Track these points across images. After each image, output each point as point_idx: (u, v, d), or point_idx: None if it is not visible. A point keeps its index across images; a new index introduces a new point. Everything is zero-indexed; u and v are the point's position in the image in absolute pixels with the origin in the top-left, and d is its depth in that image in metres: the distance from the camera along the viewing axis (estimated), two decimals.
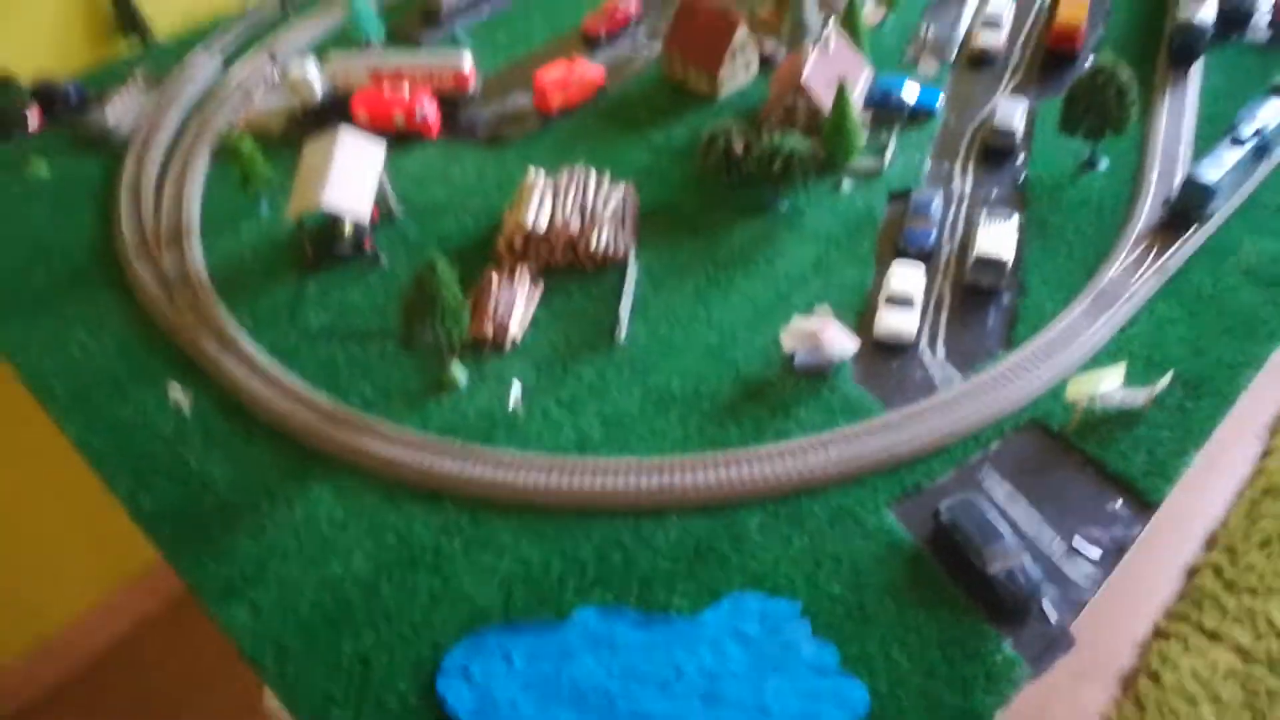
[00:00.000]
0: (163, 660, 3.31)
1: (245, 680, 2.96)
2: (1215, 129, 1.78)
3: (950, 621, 1.18)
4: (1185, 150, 1.83)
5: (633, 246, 1.68)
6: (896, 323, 1.54)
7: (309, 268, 1.73)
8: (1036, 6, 2.27)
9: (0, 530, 2.80)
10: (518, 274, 1.65)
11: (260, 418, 1.51)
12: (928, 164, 1.88)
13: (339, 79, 2.11)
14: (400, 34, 2.33)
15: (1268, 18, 2.13)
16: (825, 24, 1.98)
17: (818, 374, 1.50)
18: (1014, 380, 1.46)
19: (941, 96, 2.01)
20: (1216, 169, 1.66)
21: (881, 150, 1.88)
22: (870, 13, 2.19)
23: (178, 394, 1.49)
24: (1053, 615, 1.15)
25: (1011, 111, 1.94)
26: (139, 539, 3.12)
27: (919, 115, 2.01)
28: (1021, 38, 2.20)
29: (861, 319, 1.56)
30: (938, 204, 1.77)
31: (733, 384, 1.46)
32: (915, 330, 1.53)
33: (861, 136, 1.80)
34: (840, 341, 1.48)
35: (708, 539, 1.29)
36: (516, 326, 1.58)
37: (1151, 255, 1.65)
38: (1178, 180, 1.71)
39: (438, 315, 1.45)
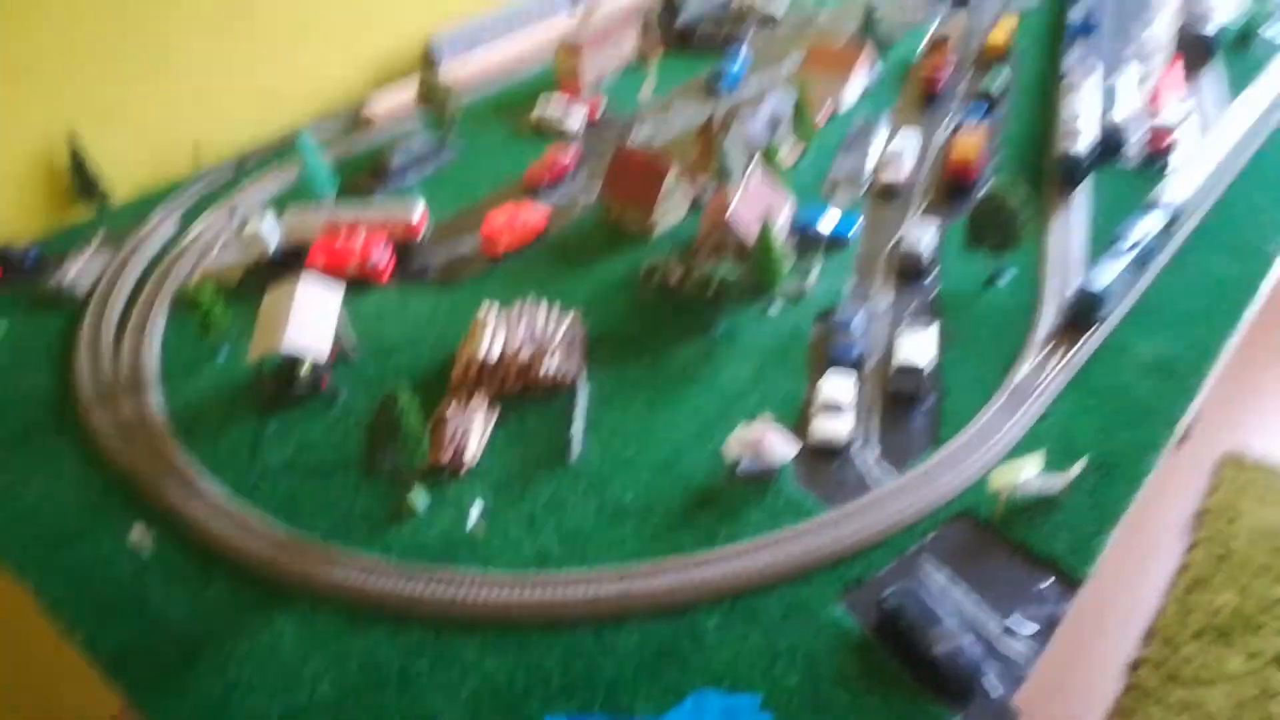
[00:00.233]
0: None
1: None
2: (1102, 242, 1.95)
3: (901, 703, 1.23)
4: (1078, 261, 2.01)
5: (582, 371, 1.78)
6: (830, 428, 1.64)
7: (268, 408, 1.79)
8: (936, 142, 2.51)
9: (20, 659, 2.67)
10: (473, 402, 1.74)
11: (221, 554, 1.53)
12: (849, 284, 2.03)
13: (295, 231, 2.22)
14: (352, 188, 2.47)
15: (1137, 146, 2.39)
16: (748, 164, 2.16)
17: (762, 479, 1.58)
18: (942, 475, 1.56)
19: (857, 224, 2.19)
20: (1104, 277, 1.83)
21: (806, 274, 2.03)
22: (787, 154, 2.39)
23: (139, 535, 1.51)
24: (996, 690, 1.21)
25: (921, 234, 2.11)
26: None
27: (838, 241, 2.18)
28: (924, 171, 2.42)
29: (798, 427, 1.65)
30: (860, 320, 1.90)
31: (683, 493, 1.53)
32: (848, 434, 1.63)
33: (786, 265, 1.95)
34: (780, 447, 1.58)
35: (668, 641, 1.33)
36: (473, 451, 1.64)
37: (1057, 355, 1.79)
38: (1071, 290, 1.88)
39: (399, 443, 1.51)
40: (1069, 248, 2.09)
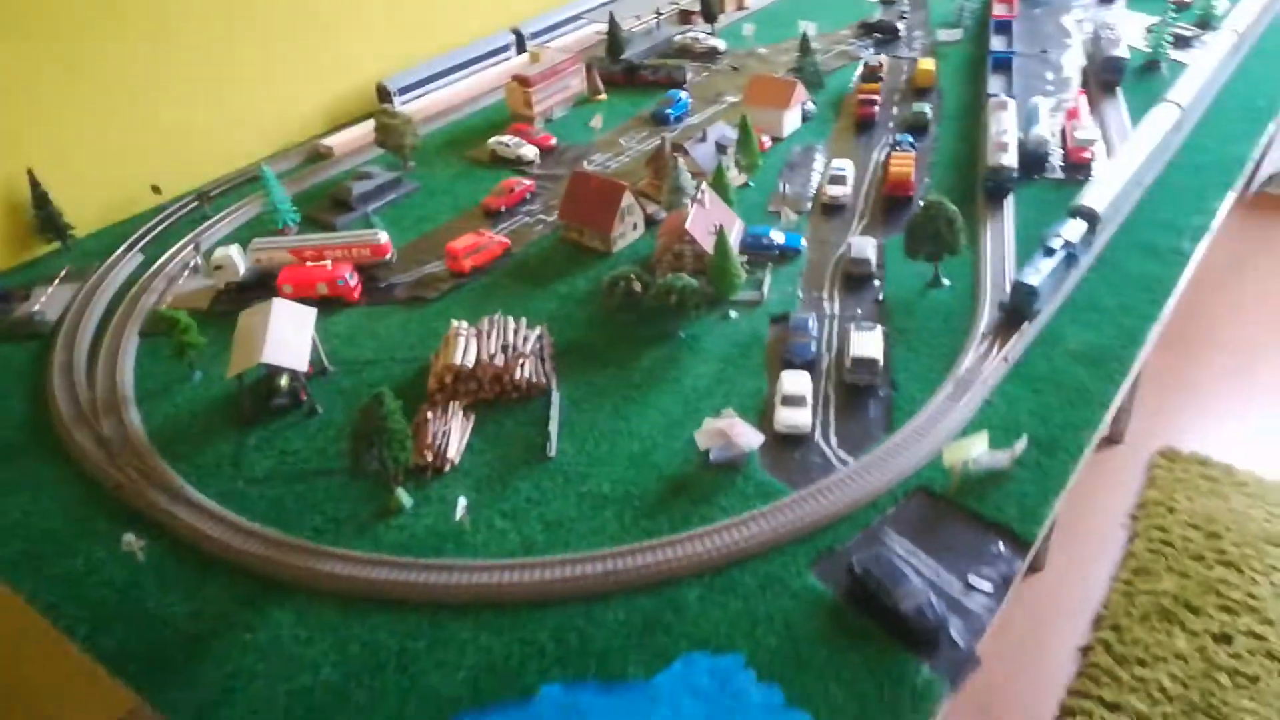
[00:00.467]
0: None
1: None
2: (1031, 247, 2.12)
3: (874, 656, 1.33)
4: (1010, 265, 2.18)
5: (553, 377, 1.87)
6: (793, 417, 1.76)
7: (248, 422, 1.82)
8: (872, 163, 2.69)
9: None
10: (450, 408, 1.80)
11: (213, 556, 1.56)
12: (800, 293, 2.16)
13: (262, 259, 2.28)
14: (315, 221, 2.53)
15: (1060, 159, 2.60)
16: (699, 187, 2.30)
17: (731, 466, 1.68)
18: (898, 455, 1.68)
19: (803, 239, 2.33)
20: (1036, 274, 1.99)
21: (759, 284, 2.15)
22: (734, 177, 2.54)
23: (131, 542, 1.53)
24: (961, 641, 1.32)
25: (864, 246, 2.26)
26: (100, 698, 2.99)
27: (787, 254, 2.31)
28: (863, 190, 2.59)
29: (762, 419, 1.76)
30: (813, 323, 2.03)
31: (658, 482, 1.62)
32: (809, 423, 1.74)
33: (741, 273, 2.07)
34: (747, 435, 1.68)
35: (653, 613, 1.41)
36: (454, 451, 1.71)
37: (996, 348, 1.94)
38: (1008, 287, 2.03)
39: (384, 442, 1.57)
40: (1002, 253, 2.25)
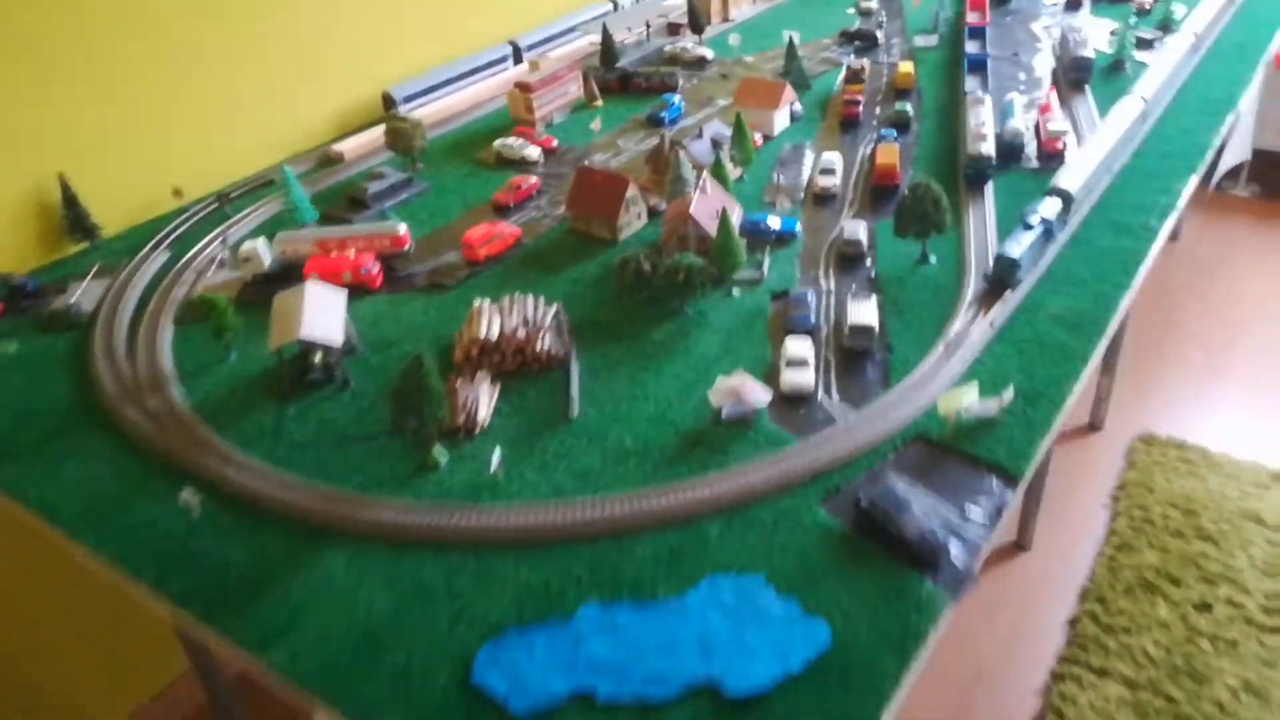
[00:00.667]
0: None
1: None
2: (1011, 226, 2.28)
3: (882, 575, 1.46)
4: (991, 243, 2.34)
5: (572, 348, 2.00)
6: (798, 378, 1.89)
7: (286, 396, 1.93)
8: (859, 157, 2.86)
9: (21, 656, 2.68)
10: (477, 378, 1.92)
11: (264, 510, 1.66)
12: (798, 272, 2.32)
13: (288, 251, 2.40)
14: (332, 219, 2.64)
15: (1035, 149, 2.79)
16: (699, 177, 2.45)
17: (742, 422, 1.81)
18: (896, 408, 1.82)
19: (798, 224, 2.49)
20: (1017, 247, 2.15)
21: (759, 265, 2.31)
22: (730, 170, 2.70)
23: (188, 496, 1.63)
24: (960, 562, 1.46)
25: (856, 228, 2.42)
26: (155, 660, 3.08)
27: (784, 238, 2.47)
28: (852, 180, 2.76)
29: (768, 382, 1.89)
30: (811, 296, 2.18)
31: (675, 437, 1.75)
32: (813, 383, 1.88)
33: (743, 252, 2.22)
34: (757, 392, 1.81)
35: (678, 546, 1.54)
36: (484, 414, 1.83)
37: (982, 315, 2.10)
38: (991, 261, 2.20)
39: (425, 401, 1.68)
40: (984, 232, 2.41)
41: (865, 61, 2.99)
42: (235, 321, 1.89)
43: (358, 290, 2.05)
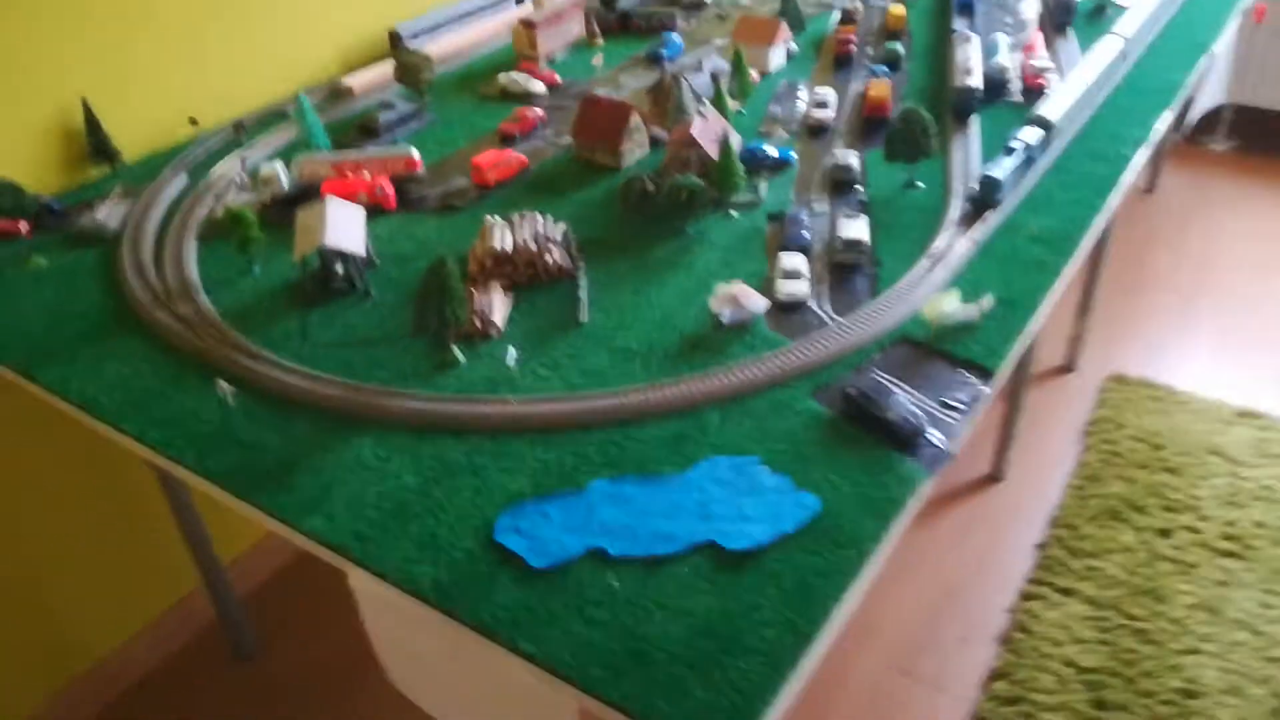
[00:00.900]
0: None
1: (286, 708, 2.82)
2: (995, 156, 2.37)
3: (866, 453, 1.57)
4: (977, 168, 2.43)
5: (580, 263, 2.08)
6: (792, 287, 1.99)
7: (310, 303, 2.00)
8: (852, 91, 2.95)
9: (35, 566, 2.78)
10: (491, 286, 2.01)
11: (294, 400, 1.74)
12: (792, 196, 2.40)
13: (305, 173, 2.46)
14: (344, 147, 2.70)
15: (1019, 85, 2.89)
16: (700, 105, 2.54)
17: (741, 327, 1.91)
18: (883, 314, 1.92)
19: (794, 153, 2.58)
20: (1000, 169, 2.25)
21: (756, 189, 2.40)
22: (730, 103, 2.78)
23: (225, 387, 1.71)
24: (940, 442, 1.57)
25: (848, 155, 2.50)
26: (165, 576, 3.20)
27: (779, 166, 2.56)
28: (845, 114, 2.84)
29: (765, 293, 1.98)
30: (806, 215, 2.28)
31: (678, 340, 1.84)
32: (806, 292, 1.98)
33: (743, 174, 2.30)
34: (754, 300, 1.91)
35: (681, 431, 1.64)
36: (499, 318, 1.91)
37: (964, 232, 2.20)
38: (975, 181, 2.30)
39: (447, 300, 1.76)
40: (969, 159, 2.49)
41: (859, 3, 3.07)
42: (259, 236, 1.98)
43: (373, 211, 2.14)
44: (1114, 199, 2.25)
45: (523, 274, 2.14)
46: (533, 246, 2.12)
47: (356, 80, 3.16)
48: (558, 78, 3.18)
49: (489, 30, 3.62)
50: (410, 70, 2.98)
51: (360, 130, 2.90)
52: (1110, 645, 2.84)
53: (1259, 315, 4.37)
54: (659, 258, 2.21)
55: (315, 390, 1.83)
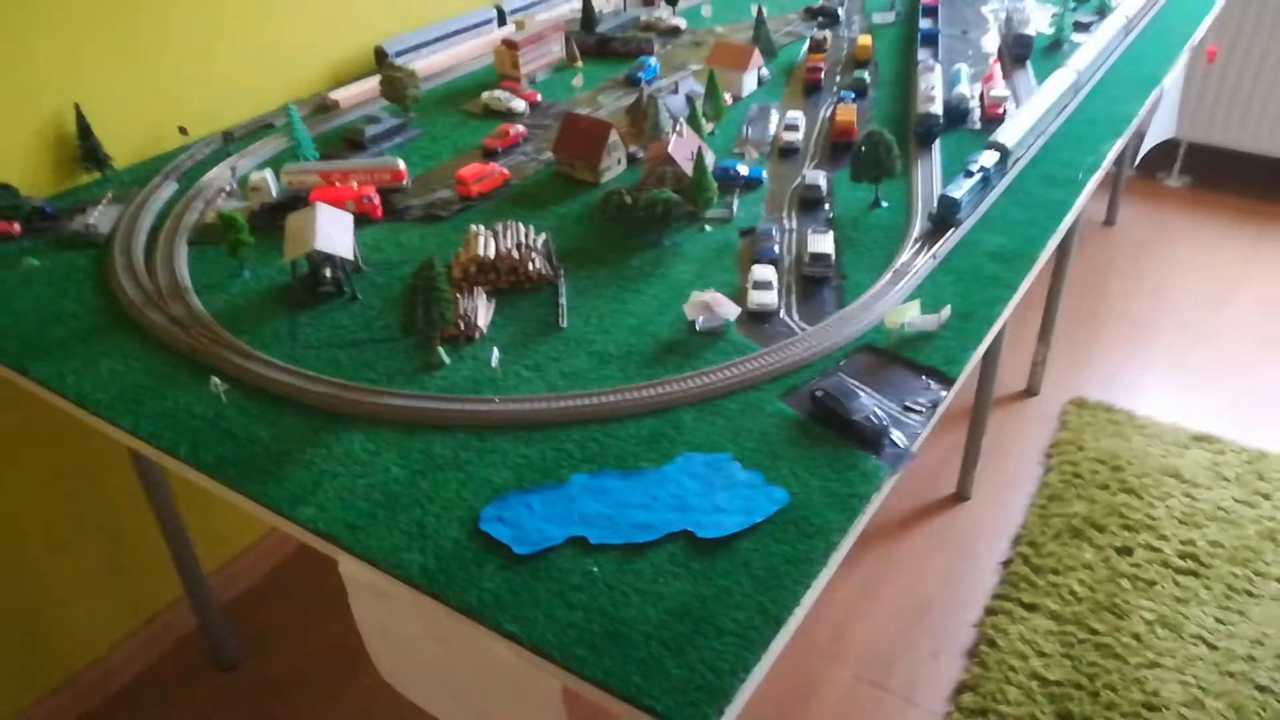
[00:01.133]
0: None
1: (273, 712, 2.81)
2: (955, 175, 2.49)
3: (832, 451, 1.65)
4: (937, 191, 2.54)
5: (560, 271, 2.16)
6: (763, 297, 2.08)
7: (298, 306, 2.05)
8: (821, 116, 3.08)
9: (15, 575, 2.77)
10: (475, 292, 2.08)
11: (286, 397, 1.79)
12: (763, 213, 2.51)
13: (294, 181, 2.52)
14: (331, 159, 2.76)
15: (978, 113, 3.03)
16: (676, 124, 2.63)
17: (714, 333, 1.99)
18: (848, 323, 2.01)
19: (765, 172, 2.68)
20: (959, 190, 2.37)
21: (729, 206, 2.50)
22: (704, 124, 2.88)
23: (218, 384, 1.76)
24: (901, 442, 1.66)
25: (816, 176, 2.61)
26: (155, 580, 3.06)
27: (751, 184, 2.66)
28: (814, 136, 2.96)
29: (736, 303, 2.07)
30: (776, 231, 2.37)
31: (654, 345, 1.92)
32: (776, 302, 2.07)
33: (716, 190, 2.40)
34: (726, 307, 2.00)
35: (657, 430, 1.71)
36: (483, 321, 1.98)
37: (926, 249, 2.31)
38: (935, 201, 2.41)
39: (434, 301, 1.83)
40: (931, 182, 2.61)
41: (827, 34, 3.20)
42: (250, 240, 2.05)
43: (360, 219, 2.21)
44: (1067, 221, 2.38)
45: (505, 280, 2.22)
46: (515, 254, 2.21)
47: (342, 94, 3.24)
48: (539, 97, 3.28)
49: (472, 50, 3.72)
50: (396, 85, 3.07)
51: (347, 143, 2.98)
52: (1074, 659, 2.94)
53: (1212, 344, 4.55)
54: (636, 268, 2.31)
55: (305, 388, 1.89)
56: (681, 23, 3.82)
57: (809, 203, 2.51)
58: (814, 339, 1.94)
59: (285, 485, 1.64)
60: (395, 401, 1.81)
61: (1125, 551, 3.32)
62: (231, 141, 2.90)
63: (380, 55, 3.37)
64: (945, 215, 2.26)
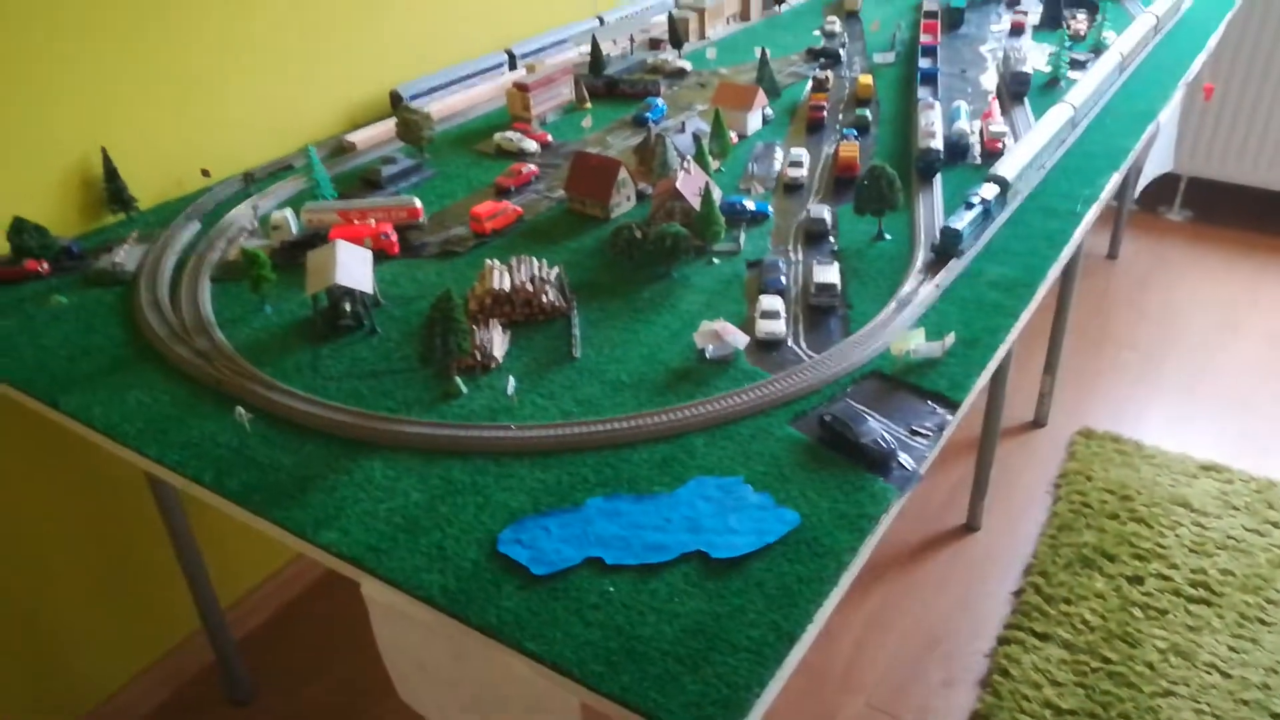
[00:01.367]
0: None
1: None
2: (956, 208, 2.54)
3: (841, 474, 1.68)
4: (939, 224, 2.60)
5: (573, 303, 2.22)
6: (771, 326, 2.13)
7: (319, 339, 2.11)
8: (824, 153, 3.15)
9: (26, 619, 2.67)
10: (491, 324, 2.13)
11: (308, 426, 1.83)
12: (770, 246, 2.56)
13: (314, 220, 2.58)
14: (348, 198, 2.83)
15: (978, 148, 3.10)
16: (684, 161, 2.70)
17: (723, 361, 2.04)
18: (855, 351, 2.06)
19: (770, 207, 2.75)
20: (960, 221, 2.43)
21: (736, 239, 2.55)
22: (710, 161, 2.95)
23: (242, 414, 1.80)
24: (909, 465, 1.70)
25: (820, 210, 2.67)
26: (163, 621, 3.09)
27: (757, 219, 2.72)
28: (818, 173, 3.03)
29: (745, 331, 2.11)
30: (783, 263, 2.43)
31: (665, 373, 1.97)
32: (784, 331, 2.11)
33: (723, 223, 2.46)
34: (735, 335, 2.05)
35: (670, 454, 1.75)
36: (498, 351, 2.03)
37: (929, 279, 2.36)
38: (938, 233, 2.47)
39: (451, 331, 1.87)
40: (933, 215, 2.66)
41: (829, 74, 3.29)
42: (272, 276, 2.12)
43: (377, 256, 2.28)
44: (1067, 251, 2.43)
45: (520, 312, 2.28)
46: (529, 287, 2.27)
47: (359, 136, 3.34)
48: (549, 137, 3.37)
49: (484, 93, 3.82)
50: (411, 127, 3.16)
51: (364, 182, 3.06)
52: (1087, 688, 2.94)
53: (1217, 374, 4.59)
54: (646, 299, 2.37)
55: (327, 417, 1.94)
56: (687, 65, 3.92)
57: (814, 235, 2.58)
58: (821, 366, 1.99)
59: (309, 510, 1.69)
60: (415, 429, 1.86)
61: (1136, 580, 3.32)
62: (252, 182, 2.99)
63: (396, 99, 3.47)
64: (948, 246, 2.31)
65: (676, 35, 4.11)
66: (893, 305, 2.16)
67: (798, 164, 2.92)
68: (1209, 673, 2.84)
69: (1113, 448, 3.89)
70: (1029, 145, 2.68)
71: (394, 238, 2.63)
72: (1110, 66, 3.31)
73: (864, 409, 1.84)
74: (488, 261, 2.38)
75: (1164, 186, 5.59)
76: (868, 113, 3.22)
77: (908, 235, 2.50)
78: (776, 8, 4.75)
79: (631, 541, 1.60)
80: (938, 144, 2.80)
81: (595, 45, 3.82)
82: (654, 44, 4.34)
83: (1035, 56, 3.61)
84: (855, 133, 3.07)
